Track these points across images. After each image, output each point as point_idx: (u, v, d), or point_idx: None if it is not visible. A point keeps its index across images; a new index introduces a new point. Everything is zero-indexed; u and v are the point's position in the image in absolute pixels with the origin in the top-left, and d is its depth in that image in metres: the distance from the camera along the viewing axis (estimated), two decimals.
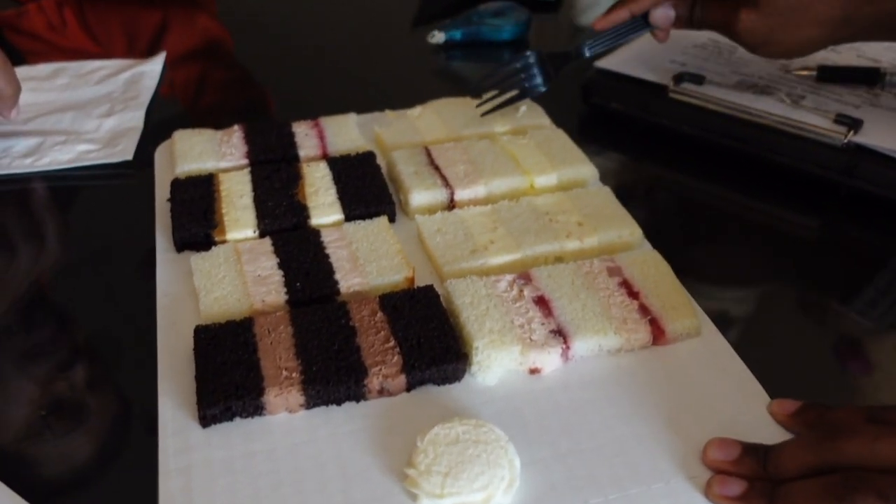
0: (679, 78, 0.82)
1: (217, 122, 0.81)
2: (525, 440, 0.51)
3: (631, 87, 0.84)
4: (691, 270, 0.63)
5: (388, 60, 1.05)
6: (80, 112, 0.88)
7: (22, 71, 0.94)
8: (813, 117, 0.75)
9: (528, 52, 0.79)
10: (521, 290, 0.59)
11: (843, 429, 0.45)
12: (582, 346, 0.56)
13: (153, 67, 0.96)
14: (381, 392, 0.54)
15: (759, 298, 0.66)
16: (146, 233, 0.69)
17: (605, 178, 0.74)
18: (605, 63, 0.87)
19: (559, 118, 0.82)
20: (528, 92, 0.79)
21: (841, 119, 0.73)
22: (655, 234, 0.67)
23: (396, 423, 0.52)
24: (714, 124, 0.79)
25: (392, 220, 0.69)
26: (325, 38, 1.11)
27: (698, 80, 0.81)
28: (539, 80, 0.79)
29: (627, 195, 0.70)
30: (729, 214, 0.75)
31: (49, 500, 0.50)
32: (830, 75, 0.82)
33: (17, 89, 0.81)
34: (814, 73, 0.82)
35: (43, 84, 0.94)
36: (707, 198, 0.77)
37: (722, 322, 0.60)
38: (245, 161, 0.75)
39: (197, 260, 0.63)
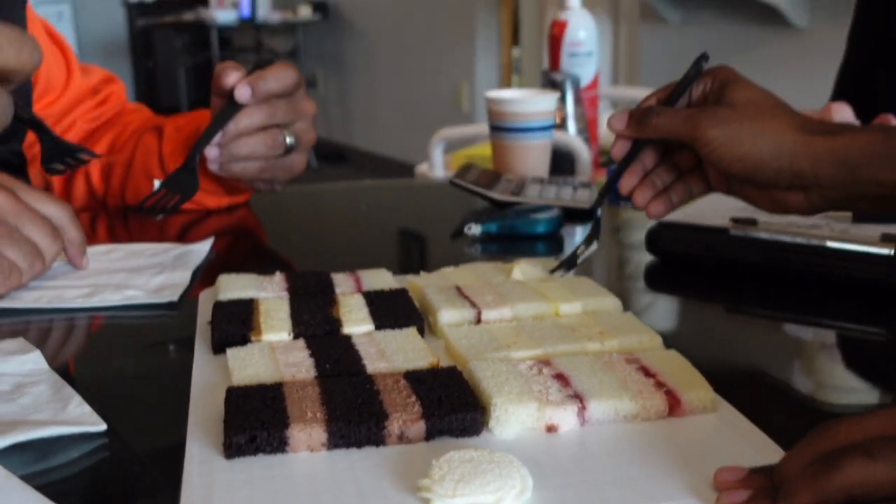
0: (736, 221, 1.00)
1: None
2: (538, 473, 0.57)
3: (694, 233, 1.02)
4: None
5: (422, 248, 1.20)
6: (132, 272, 1.03)
7: None
8: (862, 239, 0.93)
9: None
10: (541, 370, 0.68)
11: (842, 419, 0.51)
12: (598, 408, 0.64)
13: (201, 248, 1.13)
14: (401, 438, 0.62)
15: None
16: (185, 358, 0.79)
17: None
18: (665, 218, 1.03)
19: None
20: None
21: (887, 236, 0.92)
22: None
23: (414, 464, 0.59)
24: (774, 254, 0.97)
25: (421, 334, 0.80)
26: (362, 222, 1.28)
27: (752, 222, 0.99)
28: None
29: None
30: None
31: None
32: (866, 216, 0.99)
33: (85, 237, 0.97)
34: (849, 215, 1.01)
35: (98, 257, 1.10)
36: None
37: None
38: (285, 294, 0.88)
39: (233, 351, 0.74)
